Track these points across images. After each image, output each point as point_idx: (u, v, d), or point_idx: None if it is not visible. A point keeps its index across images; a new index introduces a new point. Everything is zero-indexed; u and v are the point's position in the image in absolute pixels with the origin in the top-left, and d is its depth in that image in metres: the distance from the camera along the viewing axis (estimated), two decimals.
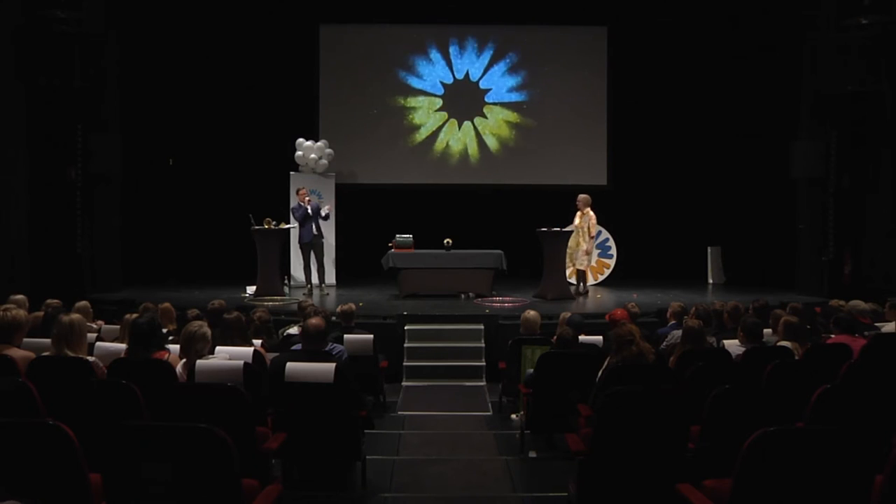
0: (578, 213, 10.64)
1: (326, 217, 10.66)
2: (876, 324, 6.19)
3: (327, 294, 10.50)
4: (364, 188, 12.64)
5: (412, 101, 13.05)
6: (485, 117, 13.08)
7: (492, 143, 13.09)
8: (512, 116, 13.08)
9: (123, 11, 10.38)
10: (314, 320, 4.58)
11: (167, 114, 11.90)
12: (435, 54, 13.05)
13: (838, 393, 3.49)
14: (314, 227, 10.48)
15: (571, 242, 10.56)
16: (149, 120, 11.55)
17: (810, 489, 2.75)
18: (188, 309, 6.62)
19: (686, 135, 12.49)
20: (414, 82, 13.04)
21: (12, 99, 9.41)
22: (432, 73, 13.06)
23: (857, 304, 6.52)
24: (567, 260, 10.57)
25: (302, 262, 10.68)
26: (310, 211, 10.43)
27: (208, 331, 4.43)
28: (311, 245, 10.54)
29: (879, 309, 6.61)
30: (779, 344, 5.19)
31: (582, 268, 10.69)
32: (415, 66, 13.04)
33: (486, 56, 13.05)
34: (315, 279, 10.68)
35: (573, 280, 10.90)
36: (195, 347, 4.29)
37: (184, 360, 4.34)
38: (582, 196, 10.69)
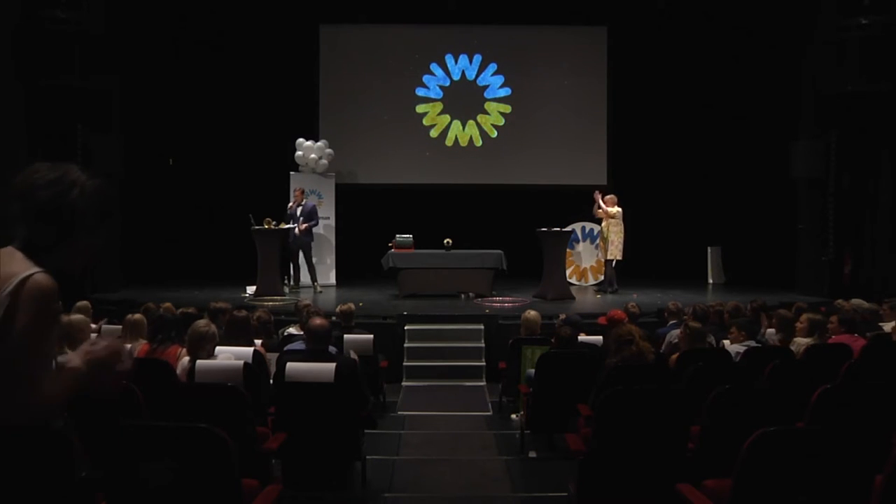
0: (607, 212, 10.58)
1: (306, 224, 10.67)
2: (878, 324, 6.19)
3: (301, 292, 10.58)
4: (364, 188, 12.64)
5: (413, 100, 13.05)
6: (486, 114, 13.09)
7: (491, 142, 13.10)
8: (511, 116, 13.08)
9: (123, 11, 10.37)
10: (318, 321, 4.59)
11: (168, 114, 11.90)
12: (435, 53, 13.06)
13: (838, 393, 3.49)
14: (297, 228, 10.51)
15: (615, 236, 10.54)
16: (149, 120, 11.55)
17: (810, 489, 2.75)
18: (184, 307, 6.58)
19: (686, 135, 12.50)
20: (415, 82, 13.05)
21: (12, 99, 9.40)
22: (432, 72, 13.06)
23: (860, 303, 6.52)
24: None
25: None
26: (299, 213, 10.54)
27: (216, 330, 4.46)
28: (294, 245, 10.55)
29: (878, 309, 6.61)
30: (802, 339, 5.25)
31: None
32: (415, 65, 13.04)
33: (487, 55, 13.05)
34: (308, 279, 10.84)
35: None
36: (205, 347, 4.32)
37: (185, 359, 4.36)
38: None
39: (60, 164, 2.05)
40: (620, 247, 10.57)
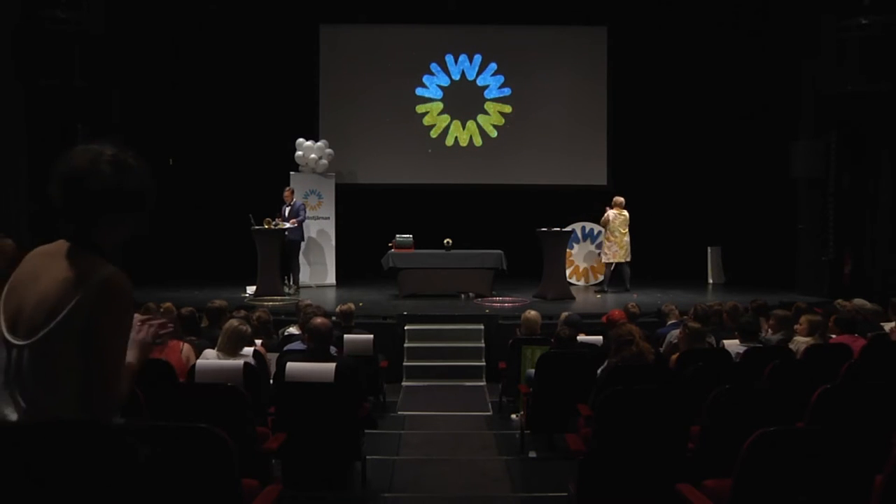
0: (611, 213, 10.67)
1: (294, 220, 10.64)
2: (880, 323, 6.19)
3: (294, 293, 10.53)
4: (364, 188, 12.64)
5: (413, 100, 13.05)
6: (486, 114, 13.09)
7: (490, 142, 13.09)
8: (511, 116, 13.08)
9: (123, 11, 10.36)
10: (319, 320, 4.61)
11: (168, 113, 11.89)
12: (435, 53, 13.05)
13: (838, 393, 3.49)
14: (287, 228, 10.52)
15: (620, 239, 10.63)
16: (149, 120, 11.54)
17: (810, 489, 2.75)
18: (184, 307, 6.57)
19: (686, 135, 12.49)
20: (415, 82, 13.04)
21: (12, 99, 9.40)
22: (432, 72, 13.06)
23: (863, 304, 6.52)
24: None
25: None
26: (286, 213, 10.54)
27: (250, 328, 4.64)
28: (288, 245, 10.53)
29: (881, 310, 6.60)
30: (802, 339, 5.25)
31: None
32: (416, 65, 13.03)
33: (487, 55, 13.05)
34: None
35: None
36: (239, 345, 4.43)
37: (212, 351, 4.49)
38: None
39: (100, 146, 2.02)
40: (608, 250, 10.72)
